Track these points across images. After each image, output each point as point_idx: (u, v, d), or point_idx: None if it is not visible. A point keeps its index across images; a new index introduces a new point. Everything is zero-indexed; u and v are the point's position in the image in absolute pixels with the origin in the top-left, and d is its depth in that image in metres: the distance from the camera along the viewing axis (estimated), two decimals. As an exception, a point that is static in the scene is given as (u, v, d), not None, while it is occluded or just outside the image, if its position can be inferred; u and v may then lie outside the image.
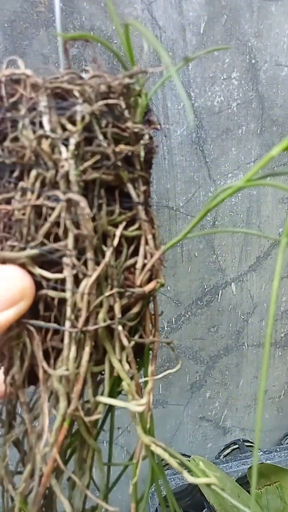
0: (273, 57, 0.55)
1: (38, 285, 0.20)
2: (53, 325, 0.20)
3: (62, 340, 0.20)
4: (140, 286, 0.22)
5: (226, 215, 0.63)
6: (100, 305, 0.20)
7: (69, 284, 0.20)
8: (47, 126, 0.19)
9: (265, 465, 0.75)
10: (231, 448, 0.84)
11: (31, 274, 0.20)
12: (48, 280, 0.20)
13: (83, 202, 0.19)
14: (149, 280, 0.22)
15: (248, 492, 0.75)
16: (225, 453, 0.84)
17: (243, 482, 0.78)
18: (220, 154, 0.59)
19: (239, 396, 0.81)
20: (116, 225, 0.21)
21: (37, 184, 0.19)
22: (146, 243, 0.22)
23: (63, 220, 0.19)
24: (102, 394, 0.22)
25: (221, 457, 0.84)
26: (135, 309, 0.22)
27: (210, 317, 0.71)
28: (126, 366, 0.21)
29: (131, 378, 0.22)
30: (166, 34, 0.51)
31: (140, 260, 0.22)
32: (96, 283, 0.20)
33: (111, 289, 0.21)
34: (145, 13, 0.50)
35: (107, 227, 0.20)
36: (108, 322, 0.20)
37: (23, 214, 0.20)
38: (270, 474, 0.76)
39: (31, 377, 0.22)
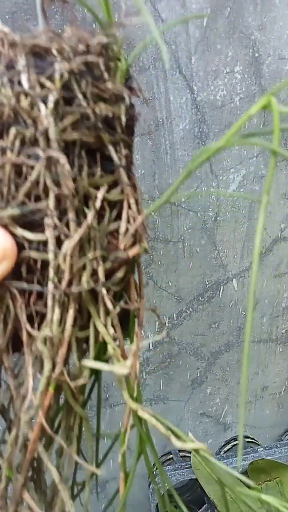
0: (277, 50, 0.55)
1: (20, 247, 0.20)
2: (36, 287, 0.20)
3: (46, 305, 0.20)
4: (124, 250, 0.22)
5: (228, 211, 0.63)
6: (83, 268, 0.20)
7: (51, 245, 0.20)
8: (25, 84, 0.19)
9: (265, 460, 0.75)
10: (232, 444, 0.84)
11: (13, 235, 0.20)
12: (30, 241, 0.20)
13: (62, 159, 0.19)
14: (133, 245, 0.22)
15: (249, 487, 0.75)
16: (225, 449, 0.84)
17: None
18: (222, 148, 0.59)
19: (240, 393, 0.81)
20: (98, 188, 0.21)
21: (17, 143, 0.19)
22: (129, 207, 0.22)
23: (43, 178, 0.19)
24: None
25: (222, 453, 0.84)
26: (119, 274, 0.22)
27: (212, 313, 0.71)
28: (111, 330, 0.22)
29: (116, 341, 0.22)
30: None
31: (123, 224, 0.22)
32: (78, 245, 0.20)
33: (94, 252, 0.21)
34: (147, 5, 0.49)
35: (88, 189, 0.21)
36: (92, 285, 0.21)
37: (3, 173, 0.20)
38: (270, 470, 0.76)
39: (16, 344, 0.22)
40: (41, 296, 0.21)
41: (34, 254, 0.20)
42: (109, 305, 0.21)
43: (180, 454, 0.80)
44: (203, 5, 0.50)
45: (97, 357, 0.22)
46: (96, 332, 0.22)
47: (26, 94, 0.19)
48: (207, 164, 0.59)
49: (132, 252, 0.22)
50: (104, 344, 0.22)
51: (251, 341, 0.76)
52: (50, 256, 0.20)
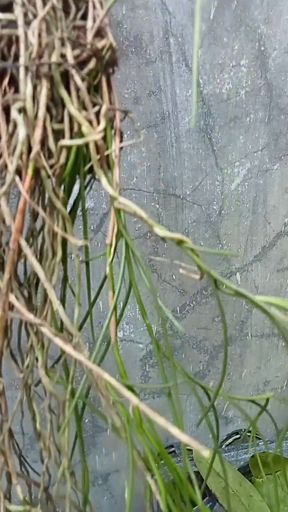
0: (283, 44, 0.55)
1: None
2: (8, 64, 0.22)
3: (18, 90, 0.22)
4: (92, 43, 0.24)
5: (232, 204, 0.63)
6: (53, 48, 0.22)
7: (20, 21, 0.22)
8: None
9: (265, 454, 0.75)
10: (233, 437, 0.84)
11: None
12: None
13: None
14: (100, 38, 0.24)
15: (250, 481, 0.76)
16: (227, 442, 0.85)
17: (245, 471, 0.78)
18: (227, 142, 0.59)
19: (242, 386, 0.82)
20: None
21: None
22: (94, 7, 0.24)
23: None
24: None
25: (223, 446, 0.85)
26: (90, 65, 0.24)
27: (215, 306, 0.71)
28: (84, 113, 0.23)
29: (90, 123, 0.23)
30: (176, 19, 0.51)
31: (89, 22, 0.24)
32: (45, 23, 0.22)
33: (62, 32, 0.23)
34: (155, -2, 0.49)
35: None
36: (61, 60, 0.22)
37: None
38: (271, 463, 0.76)
39: None
40: (14, 81, 0.22)
41: (5, 31, 0.22)
42: (79, 83, 0.23)
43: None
44: (210, -2, 0.51)
45: (78, 169, 0.23)
46: (71, 123, 0.23)
47: None
48: (212, 157, 0.59)
49: (101, 43, 0.24)
50: (80, 134, 0.23)
51: (254, 335, 0.76)
52: (20, 30, 0.22)
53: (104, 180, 0.23)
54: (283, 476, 0.79)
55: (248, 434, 0.85)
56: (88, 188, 0.28)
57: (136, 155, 0.56)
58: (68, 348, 0.20)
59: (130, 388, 0.25)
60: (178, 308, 0.70)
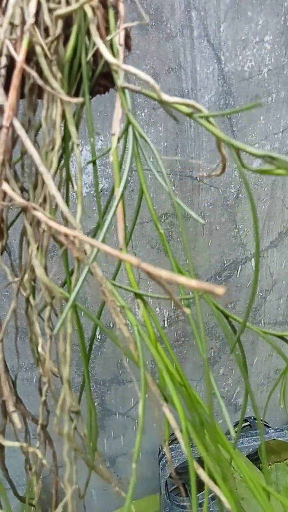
0: (309, 20, 0.53)
1: None
2: None
3: None
4: None
5: (250, 188, 0.61)
6: None
7: None
8: None
9: (276, 441, 0.75)
10: (243, 425, 0.84)
11: None
12: None
13: None
14: None
15: (259, 468, 0.76)
16: (236, 429, 0.84)
17: (254, 458, 0.78)
18: (247, 123, 0.57)
19: (252, 374, 0.81)
20: None
21: None
22: None
23: None
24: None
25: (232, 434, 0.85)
26: None
27: (228, 293, 0.70)
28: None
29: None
30: (198, -9, 0.49)
31: None
32: None
33: None
34: None
35: None
36: None
37: None
38: (280, 451, 0.76)
39: None
40: None
41: None
42: None
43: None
44: None
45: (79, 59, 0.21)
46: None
47: None
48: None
49: None
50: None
51: (266, 323, 0.75)
52: None
53: (102, 46, 0.21)
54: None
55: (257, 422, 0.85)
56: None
57: (153, 134, 0.55)
58: (64, 229, 0.17)
59: (139, 296, 0.23)
60: (191, 293, 0.69)
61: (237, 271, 0.68)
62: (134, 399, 0.76)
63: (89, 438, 0.28)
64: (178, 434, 0.23)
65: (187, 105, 0.21)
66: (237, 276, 0.69)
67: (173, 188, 0.59)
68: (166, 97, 0.20)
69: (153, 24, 0.50)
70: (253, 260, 0.68)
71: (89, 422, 0.28)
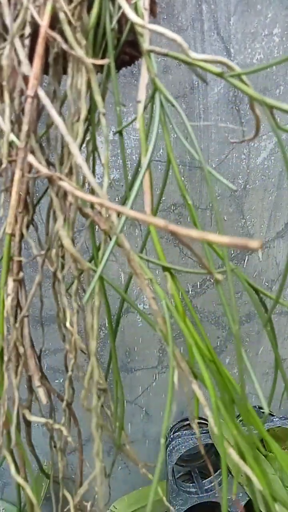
0: None
1: None
2: None
3: None
4: None
5: (257, 179, 0.63)
6: None
7: None
8: None
9: (281, 429, 0.77)
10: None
11: None
12: None
13: None
14: None
15: (264, 455, 0.77)
16: (241, 418, 0.86)
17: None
18: (256, 115, 0.58)
19: (258, 364, 0.82)
20: None
21: None
22: None
23: None
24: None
25: (237, 421, 0.86)
26: None
27: (235, 282, 0.71)
28: None
29: None
30: (209, -15, 0.50)
31: None
32: None
33: None
34: None
35: None
36: None
37: None
38: (285, 438, 0.77)
39: None
40: None
41: None
42: None
43: (197, 420, 0.82)
44: None
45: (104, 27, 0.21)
46: None
47: None
48: (240, 130, 0.59)
49: None
50: None
51: (272, 312, 0.76)
52: None
53: (127, 8, 0.20)
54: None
55: (262, 410, 0.86)
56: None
57: (163, 126, 0.56)
58: (90, 197, 0.18)
59: (167, 269, 0.24)
60: (198, 283, 0.70)
61: (244, 261, 0.70)
62: (142, 387, 0.77)
63: (115, 417, 0.29)
64: (207, 412, 0.23)
65: (219, 62, 0.20)
66: (244, 266, 0.70)
67: (182, 178, 0.60)
68: (194, 54, 0.20)
69: (165, 17, 0.51)
70: (259, 250, 0.69)
71: (115, 398, 0.29)
